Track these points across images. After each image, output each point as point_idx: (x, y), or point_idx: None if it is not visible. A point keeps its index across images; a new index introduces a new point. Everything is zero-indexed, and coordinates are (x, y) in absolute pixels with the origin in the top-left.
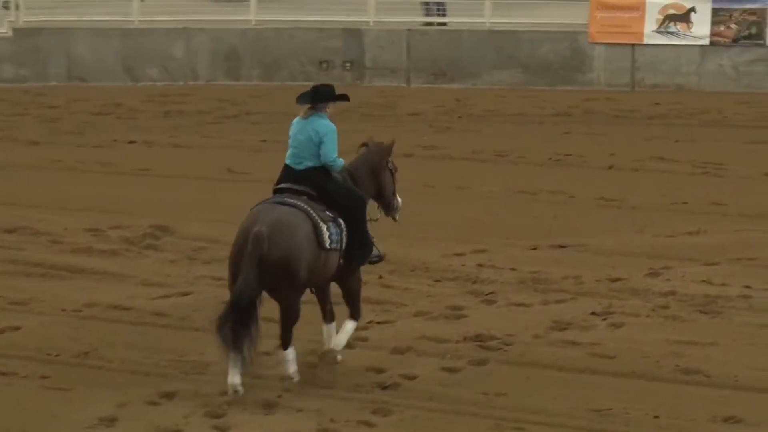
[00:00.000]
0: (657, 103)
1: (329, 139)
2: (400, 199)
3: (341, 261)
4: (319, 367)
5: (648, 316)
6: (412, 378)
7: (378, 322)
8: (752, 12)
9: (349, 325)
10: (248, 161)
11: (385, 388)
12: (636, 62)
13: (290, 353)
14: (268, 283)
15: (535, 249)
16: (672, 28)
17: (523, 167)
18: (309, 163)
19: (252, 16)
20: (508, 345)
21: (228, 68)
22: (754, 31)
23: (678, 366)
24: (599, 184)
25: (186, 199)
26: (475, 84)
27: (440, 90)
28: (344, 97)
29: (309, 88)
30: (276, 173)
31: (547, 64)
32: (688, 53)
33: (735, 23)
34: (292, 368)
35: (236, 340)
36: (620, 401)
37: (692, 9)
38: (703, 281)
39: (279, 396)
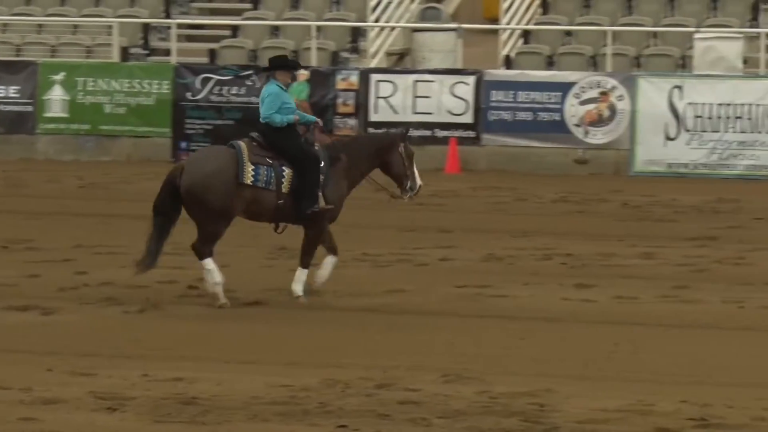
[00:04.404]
0: None
1: (267, 101)
2: (419, 182)
3: (280, 202)
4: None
5: None
6: None
7: None
8: None
9: (298, 273)
10: None
11: None
12: None
13: (209, 262)
14: (186, 207)
15: None
16: None
17: None
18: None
19: None
20: None
21: None
22: None
23: None
24: None
25: None
26: None
27: None
28: (294, 65)
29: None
30: None
31: None
32: None
33: None
34: (216, 276)
35: (147, 250)
36: None
37: None
38: None
39: None
